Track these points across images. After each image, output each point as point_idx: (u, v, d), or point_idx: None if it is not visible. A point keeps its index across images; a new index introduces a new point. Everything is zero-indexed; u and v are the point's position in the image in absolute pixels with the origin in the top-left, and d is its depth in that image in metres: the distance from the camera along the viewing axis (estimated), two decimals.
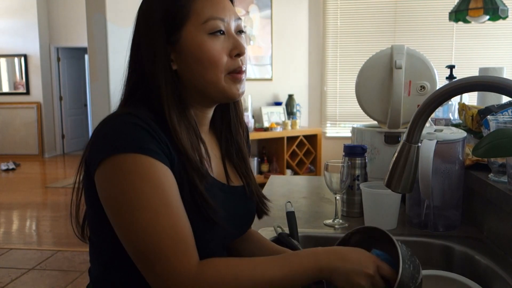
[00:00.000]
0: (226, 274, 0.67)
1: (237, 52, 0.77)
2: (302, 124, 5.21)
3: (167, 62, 0.76)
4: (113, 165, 0.67)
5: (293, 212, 1.09)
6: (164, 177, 0.68)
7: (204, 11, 0.75)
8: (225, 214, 0.76)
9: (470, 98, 2.13)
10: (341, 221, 1.23)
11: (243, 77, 0.80)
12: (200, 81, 0.77)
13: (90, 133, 0.76)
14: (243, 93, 0.81)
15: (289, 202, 1.13)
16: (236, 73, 0.78)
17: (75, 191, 0.77)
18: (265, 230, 1.17)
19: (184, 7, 0.75)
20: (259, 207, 0.93)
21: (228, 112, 0.89)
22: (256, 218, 0.94)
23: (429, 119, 0.88)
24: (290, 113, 5.01)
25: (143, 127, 0.68)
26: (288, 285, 0.69)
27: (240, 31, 0.80)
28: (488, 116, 1.06)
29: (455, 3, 3.44)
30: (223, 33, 0.77)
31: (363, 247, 0.75)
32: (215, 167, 0.83)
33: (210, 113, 0.85)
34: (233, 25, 0.79)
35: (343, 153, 1.28)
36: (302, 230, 1.18)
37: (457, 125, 1.38)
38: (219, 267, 0.68)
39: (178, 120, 0.74)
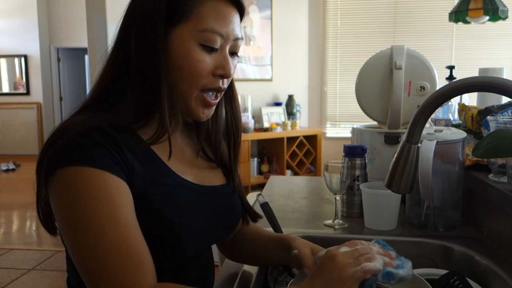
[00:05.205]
0: None
1: (221, 72, 0.72)
2: (302, 125, 5.21)
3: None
4: (62, 179, 0.63)
5: (266, 203, 1.05)
6: (115, 190, 0.63)
7: (206, 20, 0.69)
8: (194, 213, 0.73)
9: (470, 99, 2.14)
10: (341, 221, 1.23)
11: (215, 103, 0.76)
12: (171, 86, 0.71)
13: None
14: (208, 117, 0.77)
15: (260, 194, 1.10)
16: (209, 96, 0.73)
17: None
18: None
19: (188, 6, 0.69)
20: (249, 215, 0.92)
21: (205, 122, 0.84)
22: None
23: (429, 119, 0.88)
24: (290, 113, 5.01)
25: (96, 139, 0.64)
26: None
27: (234, 53, 0.75)
28: (488, 117, 1.06)
29: (455, 4, 3.44)
30: (216, 50, 0.72)
31: None
32: (187, 167, 0.79)
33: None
34: (230, 44, 0.73)
35: (343, 154, 1.28)
36: (302, 230, 1.18)
37: (457, 126, 1.39)
38: None
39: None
